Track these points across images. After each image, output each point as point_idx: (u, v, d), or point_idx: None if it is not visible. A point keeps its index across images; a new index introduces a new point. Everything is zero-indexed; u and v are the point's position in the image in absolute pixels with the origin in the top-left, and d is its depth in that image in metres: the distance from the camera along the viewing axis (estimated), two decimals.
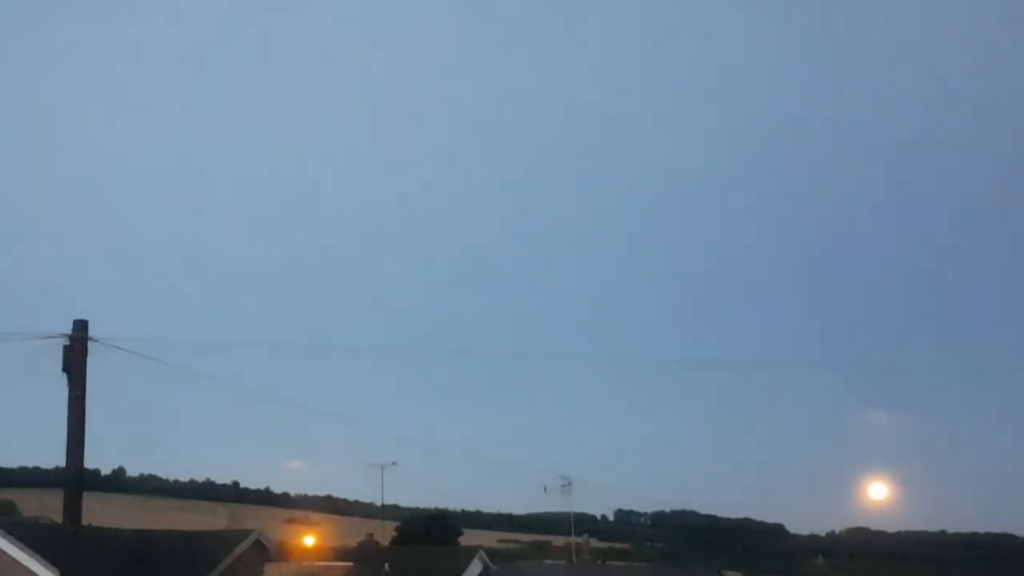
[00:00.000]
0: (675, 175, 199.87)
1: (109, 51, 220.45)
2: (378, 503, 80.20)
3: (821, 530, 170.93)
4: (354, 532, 78.56)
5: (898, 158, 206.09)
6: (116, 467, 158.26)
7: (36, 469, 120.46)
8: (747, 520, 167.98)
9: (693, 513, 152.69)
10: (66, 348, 21.39)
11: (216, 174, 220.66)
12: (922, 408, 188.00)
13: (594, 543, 70.47)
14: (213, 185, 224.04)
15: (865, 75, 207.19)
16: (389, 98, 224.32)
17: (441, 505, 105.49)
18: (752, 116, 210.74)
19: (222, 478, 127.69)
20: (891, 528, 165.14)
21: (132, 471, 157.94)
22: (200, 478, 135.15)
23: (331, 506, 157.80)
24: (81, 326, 21.65)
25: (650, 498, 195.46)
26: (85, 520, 22.92)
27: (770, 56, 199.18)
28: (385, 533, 75.46)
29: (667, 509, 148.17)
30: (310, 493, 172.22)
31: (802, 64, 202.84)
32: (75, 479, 21.42)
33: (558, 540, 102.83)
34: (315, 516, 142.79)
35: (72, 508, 21.29)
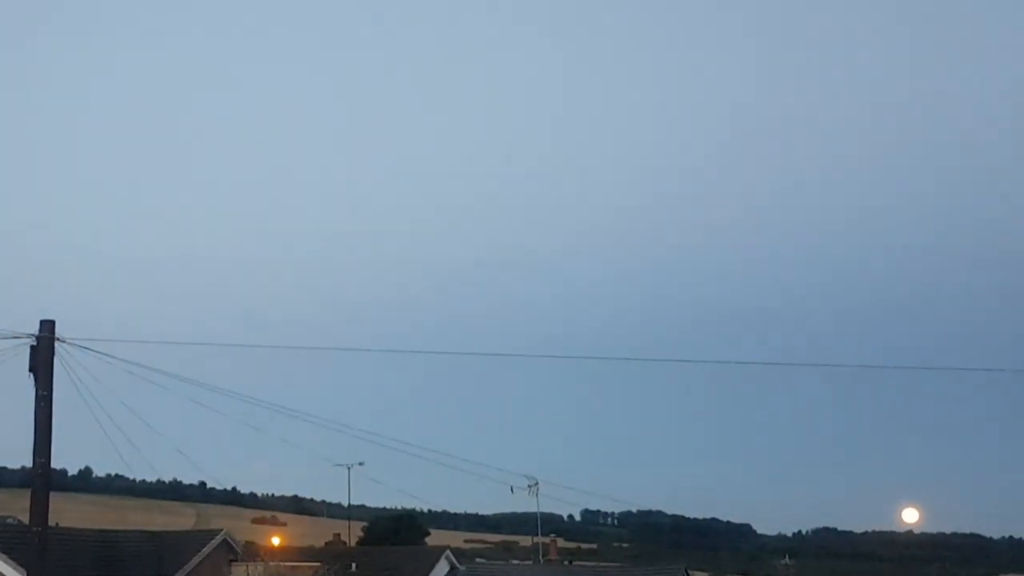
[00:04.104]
0: None
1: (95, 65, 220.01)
2: (345, 503, 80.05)
3: (788, 530, 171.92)
4: (321, 532, 78.47)
5: None
6: (83, 467, 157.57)
7: (3, 469, 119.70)
8: (714, 520, 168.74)
9: (660, 513, 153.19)
10: (33, 348, 21.35)
11: (194, 175, 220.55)
12: (894, 409, 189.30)
13: (561, 543, 70.62)
14: (185, 189, 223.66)
15: None
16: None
17: (408, 505, 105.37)
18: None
19: (189, 478, 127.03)
20: (858, 528, 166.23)
21: (99, 471, 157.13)
22: (167, 478, 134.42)
23: (298, 506, 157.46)
24: (48, 326, 21.61)
25: (617, 498, 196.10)
26: (52, 520, 22.95)
27: None
28: (352, 533, 75.43)
29: (634, 509, 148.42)
30: (277, 493, 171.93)
31: None
32: (42, 479, 21.40)
33: (525, 540, 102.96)
34: (282, 516, 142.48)
35: (39, 508, 21.26)
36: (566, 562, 61.07)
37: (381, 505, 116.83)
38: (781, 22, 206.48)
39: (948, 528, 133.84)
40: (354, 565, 49.45)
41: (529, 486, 58.16)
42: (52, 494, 21.91)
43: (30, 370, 21.29)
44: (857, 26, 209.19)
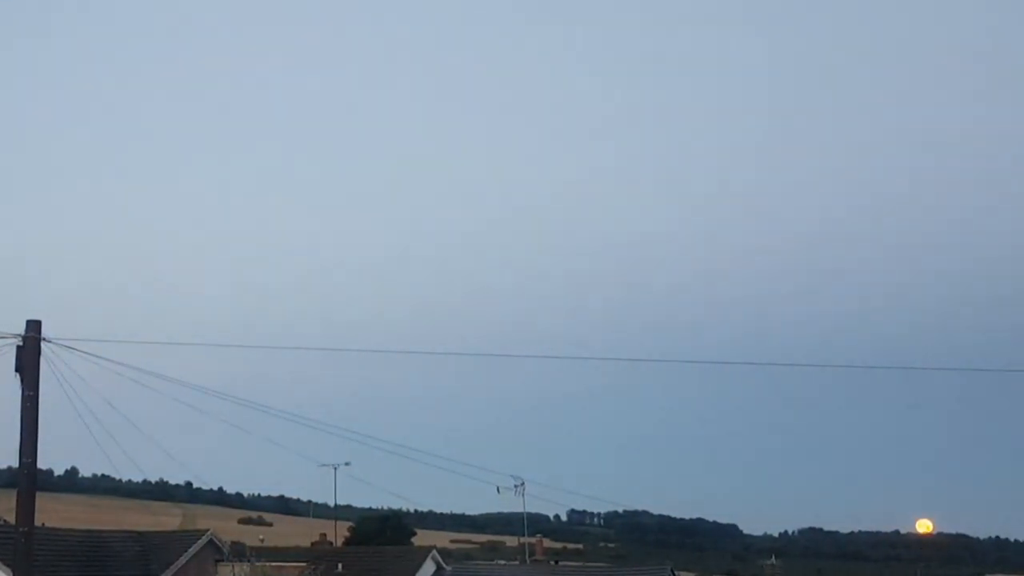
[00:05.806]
0: None
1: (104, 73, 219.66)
2: (331, 503, 79.97)
3: (774, 530, 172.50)
4: (307, 532, 78.37)
5: None
6: (69, 467, 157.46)
7: None
8: (700, 520, 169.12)
9: (646, 513, 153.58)
10: (19, 348, 21.32)
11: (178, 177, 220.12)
12: (881, 411, 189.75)
13: (547, 543, 70.62)
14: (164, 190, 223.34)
15: None
16: None
17: (394, 505, 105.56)
18: None
19: (175, 478, 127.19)
20: (844, 529, 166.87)
21: (85, 471, 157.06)
22: (153, 478, 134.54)
23: (284, 506, 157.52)
24: (34, 326, 21.58)
25: (603, 498, 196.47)
26: (38, 520, 22.93)
27: None
28: (338, 533, 75.37)
29: (620, 509, 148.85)
30: (263, 493, 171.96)
31: None
32: (28, 479, 21.37)
33: (511, 540, 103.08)
34: (268, 516, 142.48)
35: (25, 508, 21.23)
36: (552, 562, 61.00)
37: (367, 505, 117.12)
38: None
39: (936, 528, 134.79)
40: (340, 565, 49.37)
41: (515, 486, 58.30)
42: (38, 494, 21.88)
43: (16, 370, 21.25)
44: None
